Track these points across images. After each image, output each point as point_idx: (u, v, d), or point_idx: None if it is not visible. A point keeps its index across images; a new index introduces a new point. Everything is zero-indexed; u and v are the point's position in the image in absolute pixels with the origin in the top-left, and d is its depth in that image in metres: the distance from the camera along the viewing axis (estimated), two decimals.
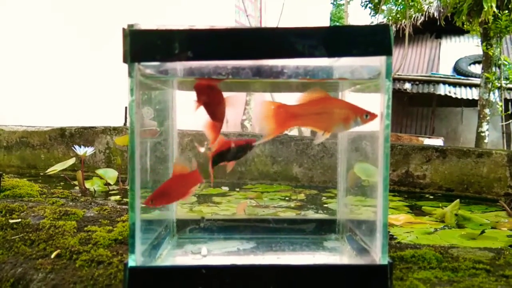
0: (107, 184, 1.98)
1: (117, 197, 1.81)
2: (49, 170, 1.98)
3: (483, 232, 1.36)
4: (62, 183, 2.10)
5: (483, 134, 5.15)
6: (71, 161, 1.96)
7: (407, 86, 7.89)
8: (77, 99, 3.91)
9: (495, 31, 4.93)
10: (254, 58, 0.60)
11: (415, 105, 8.87)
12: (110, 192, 1.93)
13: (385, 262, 0.59)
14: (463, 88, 7.77)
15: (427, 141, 5.66)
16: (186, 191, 0.68)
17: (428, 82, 7.93)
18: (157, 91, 0.72)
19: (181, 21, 4.07)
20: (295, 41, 0.56)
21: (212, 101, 0.66)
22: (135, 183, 0.58)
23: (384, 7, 6.41)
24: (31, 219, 0.90)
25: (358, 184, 0.75)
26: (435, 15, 8.46)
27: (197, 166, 0.70)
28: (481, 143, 5.11)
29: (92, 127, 2.60)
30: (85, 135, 2.58)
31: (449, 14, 5.54)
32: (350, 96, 0.78)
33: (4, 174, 1.33)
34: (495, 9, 4.71)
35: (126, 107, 3.09)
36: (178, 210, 0.83)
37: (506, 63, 5.31)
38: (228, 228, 0.81)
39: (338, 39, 0.58)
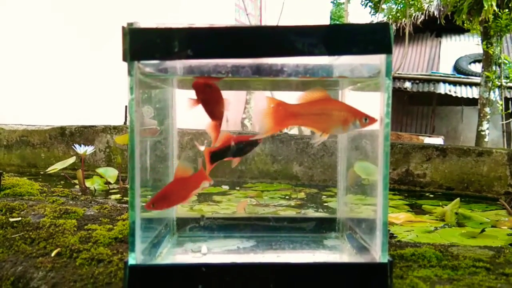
0: (108, 183, 1.99)
1: (118, 196, 1.82)
2: (49, 169, 1.98)
3: (483, 230, 1.36)
4: (62, 182, 2.10)
5: (483, 133, 5.15)
6: (71, 160, 1.96)
7: (407, 85, 7.88)
8: (77, 98, 3.91)
9: (495, 30, 4.92)
10: (254, 57, 0.60)
11: (415, 104, 8.87)
12: (110, 191, 1.93)
13: (385, 261, 0.59)
14: (463, 87, 7.77)
15: (427, 140, 5.65)
16: (187, 194, 0.68)
17: (428, 81, 7.92)
18: (157, 90, 0.72)
19: (181, 19, 4.07)
20: (295, 39, 0.56)
21: (210, 100, 0.66)
22: (135, 182, 0.58)
23: (384, 6, 6.40)
24: (31, 218, 0.90)
25: (358, 183, 0.75)
26: (435, 14, 8.44)
27: (200, 168, 0.69)
28: (481, 142, 5.11)
29: (92, 126, 2.60)
30: (85, 134, 2.58)
31: (449, 13, 5.53)
32: (350, 95, 0.78)
33: (4, 173, 1.33)
34: (495, 8, 4.70)
35: (126, 106, 3.08)
36: (178, 208, 0.83)
37: (506, 61, 5.30)
38: (228, 227, 0.81)
39: (338, 37, 0.58)
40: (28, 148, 2.63)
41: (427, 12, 8.53)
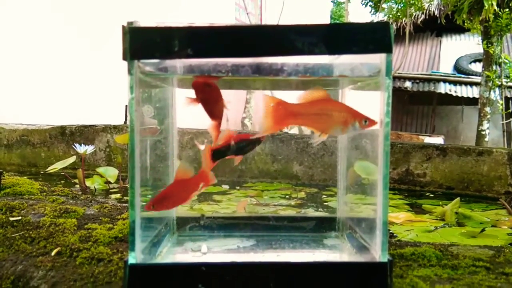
0: (108, 182, 1.99)
1: (118, 195, 1.82)
2: (49, 168, 1.98)
3: (483, 230, 1.36)
4: (62, 181, 2.10)
5: (483, 133, 5.15)
6: (72, 159, 1.96)
7: (408, 84, 7.88)
8: (78, 97, 3.92)
9: (495, 29, 4.92)
10: (254, 56, 0.60)
11: (416, 104, 8.86)
12: (110, 190, 1.93)
13: (385, 260, 0.59)
14: (463, 87, 7.77)
15: (428, 140, 5.66)
16: (188, 196, 0.68)
17: (428, 80, 7.92)
18: (157, 89, 0.72)
19: (181, 18, 4.07)
20: (295, 38, 0.56)
21: (210, 99, 0.66)
22: (135, 181, 0.58)
23: (384, 5, 6.39)
24: (32, 217, 0.90)
25: (358, 182, 0.75)
26: (435, 13, 8.44)
27: (201, 169, 0.69)
28: (482, 142, 5.11)
29: (93, 125, 2.60)
30: (86, 133, 2.58)
31: (449, 12, 5.53)
32: (350, 94, 0.78)
33: (4, 172, 1.33)
34: (495, 7, 4.70)
35: (126, 106, 3.09)
36: (178, 208, 0.83)
37: (506, 61, 5.30)
38: (228, 226, 0.81)
39: (338, 37, 0.58)
40: (28, 147, 2.63)
41: (427, 12, 8.52)
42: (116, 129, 2.56)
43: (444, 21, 5.97)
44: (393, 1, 6.31)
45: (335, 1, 16.14)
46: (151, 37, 0.56)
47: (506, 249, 0.82)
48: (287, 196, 1.90)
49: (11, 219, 0.88)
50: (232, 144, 0.70)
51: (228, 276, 0.58)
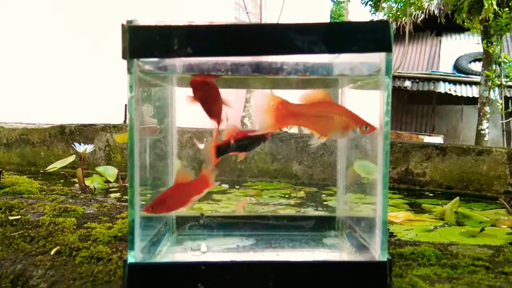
0: (107, 181, 1.98)
1: (117, 195, 1.82)
2: (49, 167, 1.98)
3: (482, 229, 1.36)
4: (62, 181, 2.10)
5: (483, 132, 5.15)
6: (71, 158, 1.96)
7: (407, 83, 7.88)
8: (77, 96, 3.91)
9: (495, 29, 4.92)
10: (254, 54, 0.60)
11: (415, 103, 8.87)
12: (110, 190, 1.93)
13: (385, 259, 0.59)
14: (463, 86, 7.77)
15: (427, 139, 5.66)
16: (187, 199, 0.67)
17: (428, 79, 7.92)
18: (156, 88, 0.72)
19: (180, 18, 4.07)
20: (294, 37, 0.56)
21: (208, 98, 0.65)
22: (135, 180, 0.58)
23: (384, 5, 6.39)
24: (31, 216, 0.90)
25: (357, 182, 0.75)
26: (435, 13, 8.43)
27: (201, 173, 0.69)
28: (481, 141, 5.11)
29: (92, 124, 2.60)
30: (85, 132, 2.58)
31: (449, 12, 5.53)
32: (350, 93, 0.77)
33: (4, 171, 1.32)
34: (495, 7, 4.70)
35: (126, 105, 3.08)
36: None
37: (506, 60, 5.30)
38: (228, 225, 0.81)
39: (338, 35, 0.58)
40: (28, 146, 2.63)
41: (427, 11, 8.52)
42: (116, 128, 2.56)
43: (444, 20, 5.97)
44: (392, 0, 6.31)
45: (335, 0, 16.13)
46: (150, 35, 0.56)
47: (506, 248, 0.82)
48: (286, 196, 1.90)
49: (11, 218, 0.88)
50: (235, 141, 0.69)
51: (228, 275, 0.58)
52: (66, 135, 2.59)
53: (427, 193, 2.10)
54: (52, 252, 0.72)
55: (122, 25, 0.56)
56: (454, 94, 7.68)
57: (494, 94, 5.32)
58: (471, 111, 8.00)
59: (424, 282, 0.63)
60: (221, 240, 0.77)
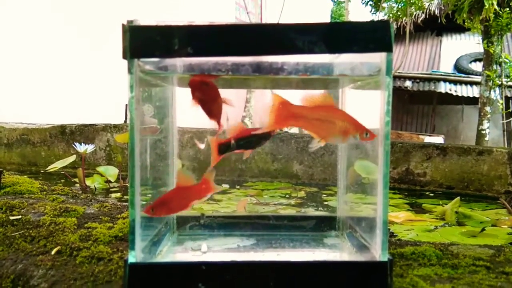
0: (108, 181, 1.99)
1: (118, 195, 1.82)
2: (49, 167, 1.98)
3: (483, 229, 1.36)
4: (62, 181, 2.10)
5: (483, 132, 5.15)
6: (72, 158, 1.96)
7: (408, 83, 7.88)
8: (78, 96, 3.92)
9: (496, 29, 4.91)
10: (254, 54, 0.60)
11: (416, 103, 8.86)
12: (110, 190, 1.93)
13: (385, 259, 0.59)
14: (463, 86, 7.76)
15: (428, 139, 5.66)
16: (188, 203, 0.67)
17: (428, 79, 7.92)
18: (157, 88, 0.72)
19: (181, 18, 4.07)
20: (295, 37, 0.56)
21: (207, 98, 0.65)
22: (135, 180, 0.58)
23: (384, 5, 6.38)
24: (32, 216, 0.90)
25: (358, 182, 0.75)
26: (436, 13, 8.43)
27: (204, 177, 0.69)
28: (482, 141, 5.11)
29: (93, 124, 2.60)
30: (86, 132, 2.58)
31: (450, 12, 5.52)
32: (350, 93, 0.77)
33: (4, 171, 1.33)
34: (496, 7, 4.70)
35: (126, 105, 3.08)
36: None
37: (507, 60, 5.29)
38: (228, 225, 0.81)
39: (339, 35, 0.58)
40: (29, 146, 2.63)
41: (427, 11, 8.51)
42: (116, 128, 2.56)
43: (445, 20, 5.96)
44: (393, 0, 6.30)
45: (335, 0, 16.13)
46: (151, 35, 0.56)
47: (506, 248, 0.82)
48: (287, 196, 1.90)
49: (11, 218, 0.88)
50: (241, 138, 0.69)
51: (228, 275, 0.58)
52: (67, 135, 2.59)
53: (427, 193, 2.10)
54: (52, 252, 0.72)
55: (123, 25, 0.56)
56: (454, 94, 7.68)
57: (495, 94, 5.32)
58: (471, 111, 8.00)
59: (425, 282, 0.63)
60: (222, 240, 0.77)
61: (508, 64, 5.31)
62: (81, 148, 1.89)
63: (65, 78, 3.91)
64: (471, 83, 7.67)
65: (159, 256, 0.67)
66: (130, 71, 0.56)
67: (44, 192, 1.19)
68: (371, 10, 7.29)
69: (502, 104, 5.48)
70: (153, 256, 0.65)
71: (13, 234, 0.80)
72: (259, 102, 4.88)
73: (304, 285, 0.59)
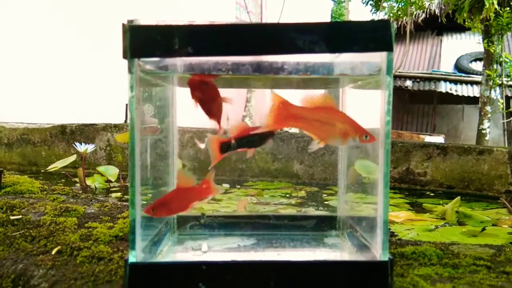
0: (108, 181, 1.99)
1: (118, 194, 1.82)
2: (50, 167, 1.98)
3: (484, 229, 1.36)
4: (63, 180, 2.10)
5: (484, 132, 5.14)
6: (72, 158, 1.96)
7: (408, 83, 7.87)
8: (78, 96, 3.92)
9: (496, 28, 4.91)
10: (255, 54, 0.60)
11: (416, 103, 8.86)
12: (111, 189, 1.93)
13: (386, 259, 0.59)
14: (464, 86, 7.76)
15: (428, 139, 5.66)
16: (188, 205, 0.67)
17: (429, 79, 7.92)
18: (157, 88, 0.72)
19: (181, 17, 4.07)
20: (295, 36, 0.56)
21: (207, 97, 0.65)
22: (136, 180, 0.58)
23: (385, 4, 6.38)
24: (32, 216, 0.90)
25: (358, 181, 0.75)
26: (436, 12, 8.42)
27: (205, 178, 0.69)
28: (482, 141, 5.11)
29: (93, 124, 2.60)
30: (86, 132, 2.58)
31: (450, 11, 5.52)
32: (350, 93, 0.77)
33: (5, 171, 1.33)
34: (496, 6, 4.69)
35: (126, 104, 3.08)
36: None
37: (507, 60, 5.29)
38: (229, 225, 0.81)
39: (339, 35, 0.57)
40: (29, 146, 2.64)
41: (428, 10, 8.51)
42: (117, 127, 2.56)
43: (445, 20, 5.96)
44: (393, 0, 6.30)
45: (336, 0, 16.11)
46: (151, 35, 0.56)
47: (507, 248, 0.82)
48: (287, 195, 1.90)
49: (12, 217, 0.88)
50: (244, 137, 0.69)
51: (229, 275, 0.58)
52: (67, 134, 2.59)
53: (428, 192, 2.10)
54: (53, 252, 0.72)
55: (123, 24, 0.56)
56: (455, 93, 7.68)
57: (495, 94, 5.32)
58: (472, 111, 7.99)
59: (426, 282, 0.63)
60: (222, 240, 0.77)
61: (509, 64, 5.31)
62: (82, 147, 1.90)
63: (65, 78, 3.91)
64: (472, 83, 7.66)
65: (159, 255, 0.67)
66: (130, 70, 0.56)
67: (45, 192, 1.19)
68: (371, 10, 7.28)
69: (502, 103, 5.48)
70: (153, 255, 0.65)
71: (13, 234, 0.80)
72: (259, 102, 4.88)
73: (304, 285, 0.59)
